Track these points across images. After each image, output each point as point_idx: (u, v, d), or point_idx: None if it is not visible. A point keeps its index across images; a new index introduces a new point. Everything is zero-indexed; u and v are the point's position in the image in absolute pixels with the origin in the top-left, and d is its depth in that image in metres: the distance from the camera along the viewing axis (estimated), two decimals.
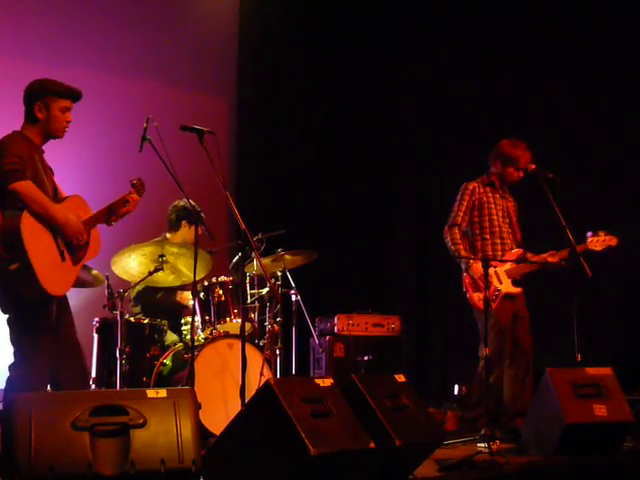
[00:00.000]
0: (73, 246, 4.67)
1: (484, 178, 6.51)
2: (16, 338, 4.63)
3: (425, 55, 9.48)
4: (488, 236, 6.39)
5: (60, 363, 4.70)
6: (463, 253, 6.30)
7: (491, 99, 8.89)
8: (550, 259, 6.21)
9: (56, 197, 4.79)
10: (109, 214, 4.90)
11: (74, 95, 4.86)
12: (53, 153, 4.92)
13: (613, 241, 6.16)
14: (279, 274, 6.92)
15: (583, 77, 7.99)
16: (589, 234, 6.17)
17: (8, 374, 4.64)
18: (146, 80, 7.94)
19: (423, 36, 9.50)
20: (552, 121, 8.12)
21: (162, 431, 3.73)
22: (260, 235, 6.64)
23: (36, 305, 4.52)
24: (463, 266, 6.34)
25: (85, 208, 4.86)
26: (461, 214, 6.37)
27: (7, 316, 4.64)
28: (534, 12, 8.38)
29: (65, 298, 4.79)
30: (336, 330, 7.74)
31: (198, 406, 3.96)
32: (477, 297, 6.21)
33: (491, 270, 6.20)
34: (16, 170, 4.45)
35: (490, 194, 6.44)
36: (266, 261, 6.71)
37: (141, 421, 3.71)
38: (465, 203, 6.39)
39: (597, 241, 6.14)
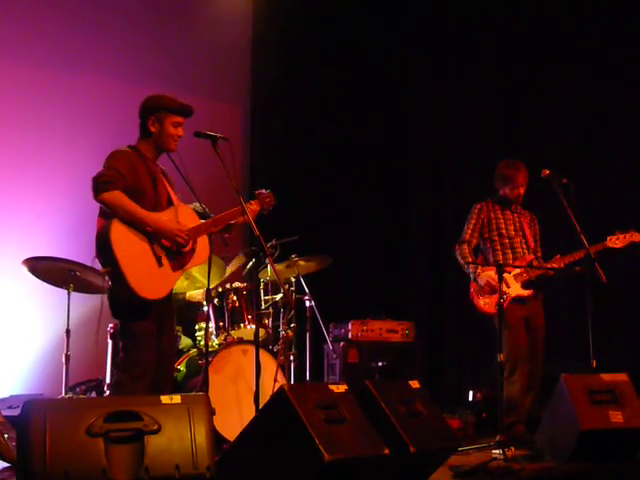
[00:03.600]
0: (174, 252, 4.82)
1: (492, 197, 6.70)
2: (121, 341, 4.83)
3: (438, 60, 9.48)
4: (499, 247, 6.58)
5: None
6: (471, 262, 6.49)
7: (505, 107, 8.86)
8: (555, 264, 6.27)
9: (170, 205, 4.96)
10: (215, 224, 5.06)
11: (186, 112, 5.02)
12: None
13: (636, 237, 6.23)
14: (293, 280, 6.92)
15: (598, 77, 7.93)
16: (609, 236, 6.26)
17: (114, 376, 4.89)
18: (160, 86, 7.83)
19: (437, 40, 9.49)
20: (567, 124, 8.07)
21: (176, 437, 3.73)
22: (274, 241, 6.64)
23: (135, 309, 4.71)
24: (472, 276, 6.51)
25: (193, 217, 5.01)
26: (469, 231, 6.62)
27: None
28: (547, 13, 8.34)
29: (169, 306, 4.95)
30: (350, 336, 7.74)
31: (212, 412, 3.97)
32: (483, 302, 6.42)
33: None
34: (106, 182, 4.68)
35: (499, 211, 6.66)
36: (280, 267, 6.72)
37: (155, 427, 3.71)
38: (473, 222, 6.64)
39: (617, 239, 6.22)
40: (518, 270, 6.39)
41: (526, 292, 6.39)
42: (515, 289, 6.37)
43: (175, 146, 4.98)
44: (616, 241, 6.22)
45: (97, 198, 4.67)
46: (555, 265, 6.29)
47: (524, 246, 6.58)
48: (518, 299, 6.37)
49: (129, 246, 4.64)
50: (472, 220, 6.64)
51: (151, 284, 4.70)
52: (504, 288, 6.20)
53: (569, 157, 7.69)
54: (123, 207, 4.67)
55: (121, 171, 4.74)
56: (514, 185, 6.56)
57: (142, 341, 4.75)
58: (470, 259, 6.49)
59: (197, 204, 5.60)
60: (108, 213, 4.70)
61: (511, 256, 6.52)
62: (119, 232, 4.63)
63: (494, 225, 6.60)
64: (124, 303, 4.71)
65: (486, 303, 6.39)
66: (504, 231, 6.58)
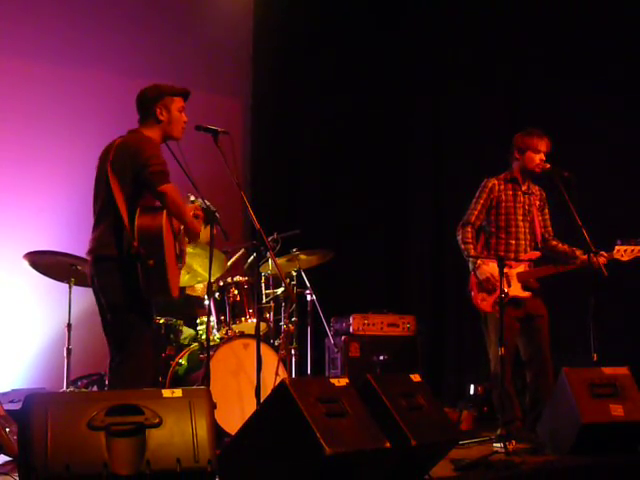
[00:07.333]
0: (182, 252, 4.79)
1: (506, 174, 6.36)
2: (126, 335, 4.61)
3: (440, 52, 9.47)
4: (503, 235, 6.25)
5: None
6: (472, 253, 6.19)
7: (506, 93, 8.84)
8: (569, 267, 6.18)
9: None
10: None
11: (186, 94, 4.93)
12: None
13: None
14: (294, 274, 6.93)
15: (602, 70, 7.90)
16: (618, 242, 6.08)
17: (114, 370, 4.66)
18: (161, 80, 7.93)
19: (438, 34, 9.47)
20: (570, 115, 8.03)
21: (178, 431, 3.74)
22: (275, 235, 6.66)
23: (146, 304, 4.60)
24: (470, 266, 6.21)
25: None
26: (476, 212, 6.26)
27: (113, 315, 4.63)
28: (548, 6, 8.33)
29: None
30: (351, 330, 7.73)
31: (213, 406, 3.97)
32: (481, 298, 6.14)
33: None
34: (166, 172, 4.57)
35: (511, 191, 6.29)
36: (281, 261, 6.72)
37: (157, 421, 3.72)
38: (482, 202, 6.27)
39: (625, 251, 6.06)
40: (522, 268, 6.15)
41: (525, 294, 6.14)
42: (515, 289, 6.10)
43: (183, 133, 4.90)
44: (623, 253, 6.03)
45: (159, 188, 4.51)
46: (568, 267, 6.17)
47: (529, 237, 6.29)
48: (515, 300, 6.09)
49: (169, 242, 4.56)
50: (481, 199, 6.27)
51: (176, 282, 4.66)
52: (504, 287, 5.95)
53: (570, 152, 7.66)
54: (180, 202, 4.61)
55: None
56: (537, 150, 6.20)
57: (148, 335, 4.71)
58: (472, 246, 6.18)
59: (199, 200, 5.58)
60: (141, 203, 4.57)
61: (514, 248, 6.21)
62: (167, 226, 4.54)
63: (503, 209, 6.24)
64: (142, 298, 4.56)
65: (484, 299, 6.10)
66: (512, 216, 6.23)
